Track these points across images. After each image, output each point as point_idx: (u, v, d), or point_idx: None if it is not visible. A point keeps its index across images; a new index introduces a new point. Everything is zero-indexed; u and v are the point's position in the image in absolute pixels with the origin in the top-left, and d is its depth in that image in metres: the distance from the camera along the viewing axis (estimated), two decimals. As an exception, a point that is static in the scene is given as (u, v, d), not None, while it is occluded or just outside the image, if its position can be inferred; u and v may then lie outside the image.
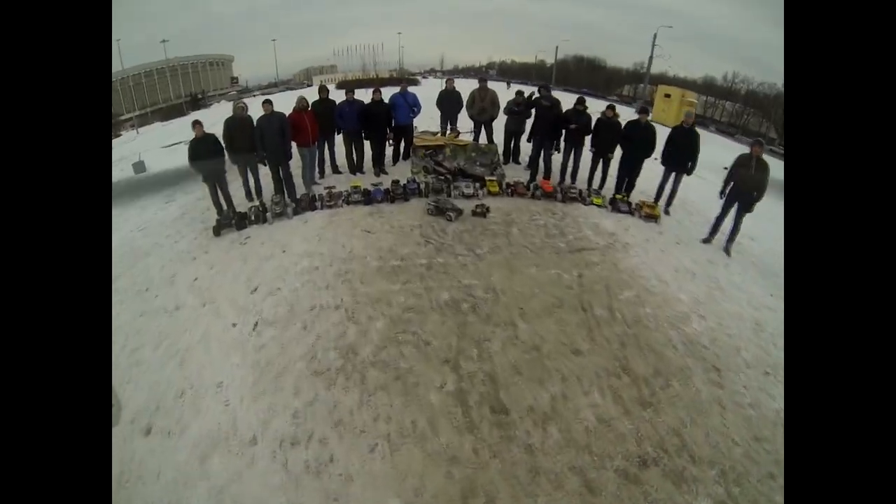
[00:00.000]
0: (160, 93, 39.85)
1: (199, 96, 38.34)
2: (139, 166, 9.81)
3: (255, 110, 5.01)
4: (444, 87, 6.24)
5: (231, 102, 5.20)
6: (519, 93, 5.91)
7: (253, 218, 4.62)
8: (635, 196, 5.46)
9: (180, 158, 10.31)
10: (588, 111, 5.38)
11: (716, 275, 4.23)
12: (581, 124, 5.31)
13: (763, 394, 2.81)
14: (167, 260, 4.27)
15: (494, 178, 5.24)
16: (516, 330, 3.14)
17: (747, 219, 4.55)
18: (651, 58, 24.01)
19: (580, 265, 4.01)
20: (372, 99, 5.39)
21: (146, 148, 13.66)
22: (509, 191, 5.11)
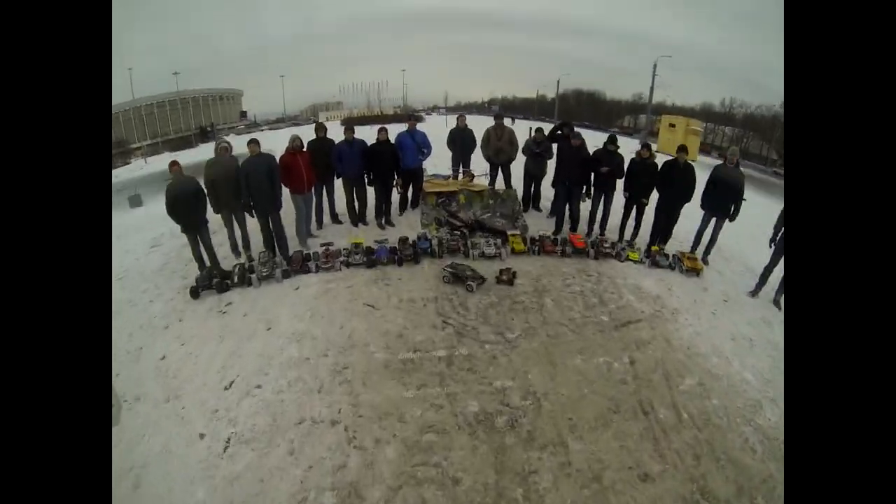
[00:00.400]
0: (171, 124, 41.34)
1: (209, 129, 39.89)
2: (135, 199, 9.42)
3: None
4: (455, 125, 5.75)
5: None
6: (539, 130, 5.46)
7: (236, 279, 3.95)
8: (671, 245, 4.96)
9: None
10: (620, 151, 4.92)
11: (775, 338, 3.67)
12: (613, 166, 4.82)
13: None
14: (137, 325, 3.57)
15: (517, 232, 4.65)
16: (568, 453, 2.43)
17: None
18: (652, 88, 24.67)
19: (630, 346, 3.35)
20: (377, 139, 4.82)
21: (150, 179, 13.64)
22: (535, 248, 4.51)
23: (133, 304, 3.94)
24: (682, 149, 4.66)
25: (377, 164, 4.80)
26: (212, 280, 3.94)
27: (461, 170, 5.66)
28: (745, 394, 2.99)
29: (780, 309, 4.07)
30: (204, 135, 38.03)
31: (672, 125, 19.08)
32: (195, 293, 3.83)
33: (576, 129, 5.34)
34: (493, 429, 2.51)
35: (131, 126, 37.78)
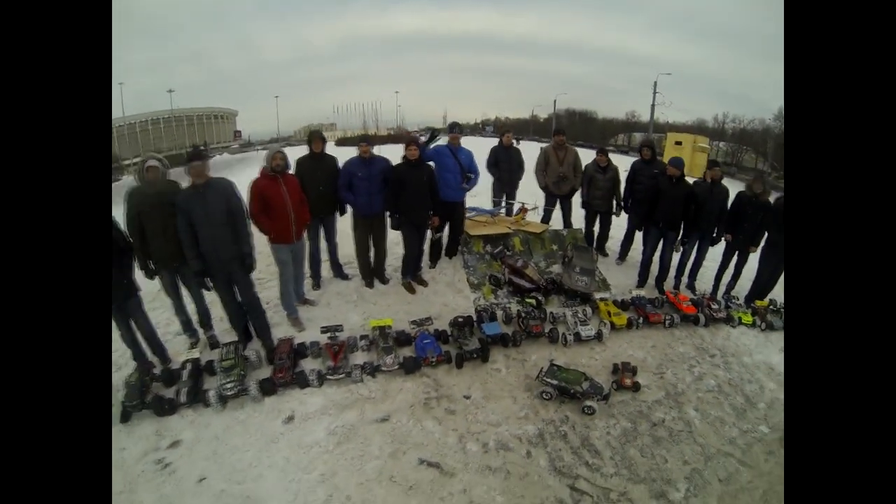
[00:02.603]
0: (165, 141, 43.01)
1: (201, 147, 42.69)
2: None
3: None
4: (499, 143, 4.69)
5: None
6: (602, 151, 4.61)
7: (185, 394, 2.61)
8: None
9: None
10: (724, 184, 4.17)
11: None
12: (718, 200, 4.05)
13: None
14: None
15: (608, 296, 3.66)
16: None
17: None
18: (653, 106, 25.76)
19: None
20: (403, 158, 3.54)
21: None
22: (637, 317, 3.55)
23: None
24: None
25: (407, 195, 3.50)
26: (144, 393, 2.62)
27: (506, 202, 4.60)
28: None
29: None
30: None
31: (678, 143, 19.68)
32: (126, 415, 2.56)
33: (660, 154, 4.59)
34: None
35: (125, 142, 39.29)
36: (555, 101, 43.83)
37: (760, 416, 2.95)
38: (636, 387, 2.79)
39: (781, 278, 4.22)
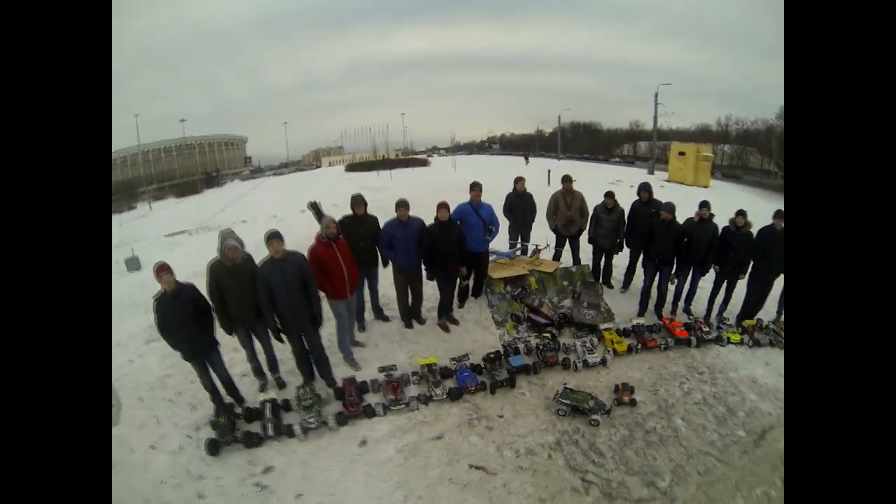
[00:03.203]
0: (177, 168, 47.45)
1: (214, 174, 45.28)
2: (132, 263, 9.07)
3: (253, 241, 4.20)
4: (513, 190, 5.61)
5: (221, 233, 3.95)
6: (609, 194, 5.44)
7: (271, 427, 3.39)
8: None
9: (182, 256, 9.72)
10: (714, 219, 4.98)
11: None
12: (706, 237, 4.80)
13: None
14: (138, 496, 3.00)
15: (611, 326, 4.56)
16: None
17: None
18: (655, 117, 26.60)
19: (776, 464, 3.24)
20: (436, 219, 4.33)
21: (150, 234, 14.40)
22: (636, 343, 4.42)
23: (130, 451, 3.38)
24: (779, 214, 4.80)
25: (439, 251, 4.34)
26: (234, 430, 3.41)
27: (522, 244, 5.58)
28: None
29: None
30: (209, 180, 42.41)
31: (682, 153, 20.31)
32: (214, 449, 3.25)
33: (656, 195, 5.30)
34: None
35: (138, 170, 43.47)
36: (559, 117, 45.90)
37: (739, 422, 3.72)
38: (633, 402, 3.65)
39: (774, 295, 5.02)
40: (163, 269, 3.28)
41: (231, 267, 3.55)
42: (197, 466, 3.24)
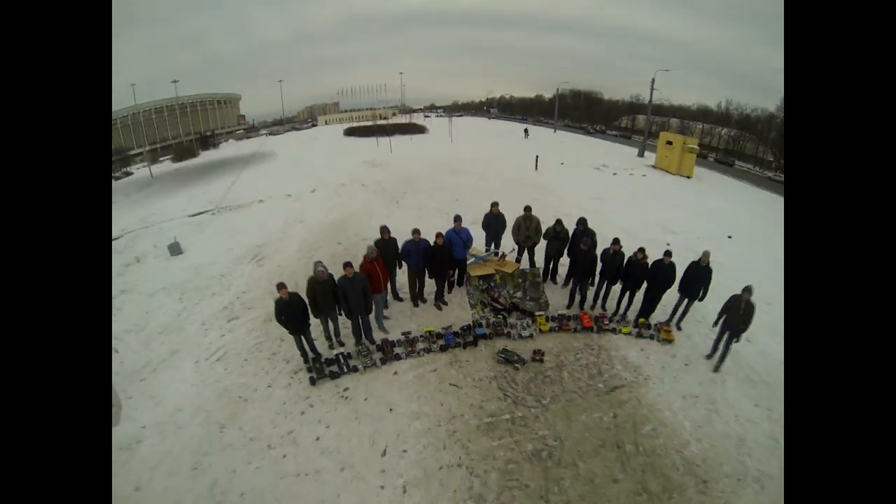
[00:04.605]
0: (170, 129, 48.61)
1: (209, 134, 47.49)
2: (174, 248, 10.75)
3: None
4: (490, 211, 8.68)
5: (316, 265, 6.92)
6: (559, 221, 8.50)
7: (344, 368, 6.63)
8: (659, 313, 8.15)
9: (215, 238, 12.16)
10: (622, 251, 8.04)
11: (714, 395, 6.84)
12: (615, 265, 7.93)
13: (734, 496, 5.35)
14: (272, 412, 6.13)
15: (543, 313, 7.82)
16: (578, 469, 5.64)
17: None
18: (650, 101, 28.66)
19: (615, 405, 6.57)
20: (435, 243, 7.49)
21: (173, 212, 16.45)
22: (556, 326, 7.71)
23: (253, 390, 6.53)
24: (668, 254, 7.83)
25: (436, 261, 7.62)
26: (324, 369, 6.59)
27: (494, 249, 8.68)
28: (680, 435, 5.97)
29: (717, 372, 7.45)
30: (205, 142, 45.02)
31: (669, 143, 22.70)
32: (313, 381, 6.34)
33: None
34: (541, 458, 5.60)
35: (129, 132, 44.46)
36: (557, 89, 47.68)
37: (602, 380, 6.95)
38: (541, 360, 6.97)
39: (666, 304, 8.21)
40: (281, 287, 6.11)
41: (321, 281, 6.42)
42: (304, 391, 6.46)
